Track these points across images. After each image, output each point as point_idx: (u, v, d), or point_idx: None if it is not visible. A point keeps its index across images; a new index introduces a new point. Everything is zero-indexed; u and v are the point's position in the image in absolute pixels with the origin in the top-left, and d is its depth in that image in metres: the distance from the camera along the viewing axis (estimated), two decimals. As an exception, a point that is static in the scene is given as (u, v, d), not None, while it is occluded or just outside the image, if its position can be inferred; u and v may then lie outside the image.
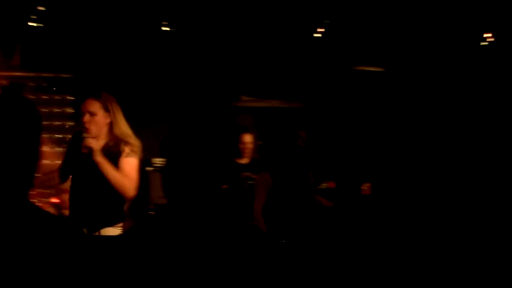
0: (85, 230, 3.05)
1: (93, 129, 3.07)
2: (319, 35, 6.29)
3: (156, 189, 5.27)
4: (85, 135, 3.05)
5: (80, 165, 3.11)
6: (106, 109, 3.10)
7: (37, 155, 1.71)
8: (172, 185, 2.11)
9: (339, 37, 6.36)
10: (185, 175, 2.12)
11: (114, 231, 3.11)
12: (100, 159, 3.03)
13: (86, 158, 3.03)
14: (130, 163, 3.10)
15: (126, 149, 3.08)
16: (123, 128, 3.13)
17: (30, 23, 5.78)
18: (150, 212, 5.38)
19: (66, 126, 5.88)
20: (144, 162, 3.46)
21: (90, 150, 3.02)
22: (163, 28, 6.07)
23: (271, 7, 5.72)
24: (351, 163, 6.30)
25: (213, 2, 5.67)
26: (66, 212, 3.55)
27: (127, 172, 3.09)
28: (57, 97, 6.06)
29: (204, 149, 2.20)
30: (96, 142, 3.05)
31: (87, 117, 3.07)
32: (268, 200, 4.69)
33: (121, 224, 3.19)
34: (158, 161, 5.07)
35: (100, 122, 3.08)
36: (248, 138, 4.85)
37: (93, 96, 3.10)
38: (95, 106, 3.07)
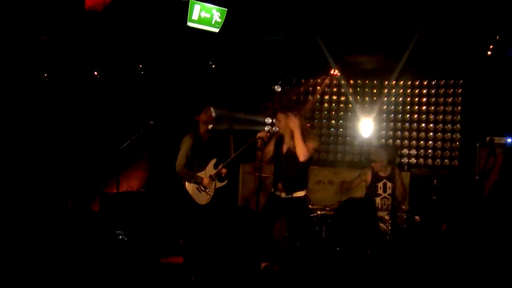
0: (282, 194, 5.56)
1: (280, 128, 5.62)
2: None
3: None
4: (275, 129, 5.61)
5: (278, 154, 5.62)
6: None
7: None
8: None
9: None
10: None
11: (301, 193, 5.56)
12: (298, 130, 5.44)
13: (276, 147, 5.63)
14: (308, 145, 5.47)
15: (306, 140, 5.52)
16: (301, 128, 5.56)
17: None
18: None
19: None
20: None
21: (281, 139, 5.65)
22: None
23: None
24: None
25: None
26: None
27: (308, 147, 5.44)
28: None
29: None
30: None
31: (277, 122, 5.67)
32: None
33: (305, 190, 5.59)
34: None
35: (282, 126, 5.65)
36: None
37: (281, 111, 5.70)
38: (280, 117, 5.64)
